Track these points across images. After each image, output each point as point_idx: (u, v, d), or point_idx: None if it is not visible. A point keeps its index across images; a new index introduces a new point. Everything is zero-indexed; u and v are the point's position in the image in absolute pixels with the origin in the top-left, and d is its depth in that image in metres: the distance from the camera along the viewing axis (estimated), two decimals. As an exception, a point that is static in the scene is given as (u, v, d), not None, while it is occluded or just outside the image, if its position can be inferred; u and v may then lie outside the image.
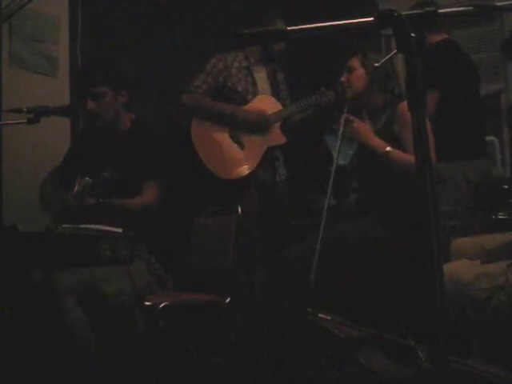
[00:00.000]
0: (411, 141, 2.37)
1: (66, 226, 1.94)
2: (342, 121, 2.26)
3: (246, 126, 3.06)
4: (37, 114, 2.05)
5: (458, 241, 2.19)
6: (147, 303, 2.17)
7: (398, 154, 2.26)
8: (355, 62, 2.48)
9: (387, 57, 2.26)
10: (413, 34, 0.98)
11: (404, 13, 1.00)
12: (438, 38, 3.06)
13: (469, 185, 2.98)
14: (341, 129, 2.24)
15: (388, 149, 2.25)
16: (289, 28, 1.06)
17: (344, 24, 1.05)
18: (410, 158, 2.28)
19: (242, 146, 3.06)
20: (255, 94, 3.15)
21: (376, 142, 2.28)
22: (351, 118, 2.29)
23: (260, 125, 3.07)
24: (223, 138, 3.06)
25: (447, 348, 0.96)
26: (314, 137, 3.65)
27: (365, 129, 2.30)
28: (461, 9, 1.07)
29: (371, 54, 2.48)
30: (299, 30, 1.06)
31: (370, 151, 2.29)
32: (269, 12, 3.17)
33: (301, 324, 2.07)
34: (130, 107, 2.56)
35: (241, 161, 3.04)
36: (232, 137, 3.07)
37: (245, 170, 3.04)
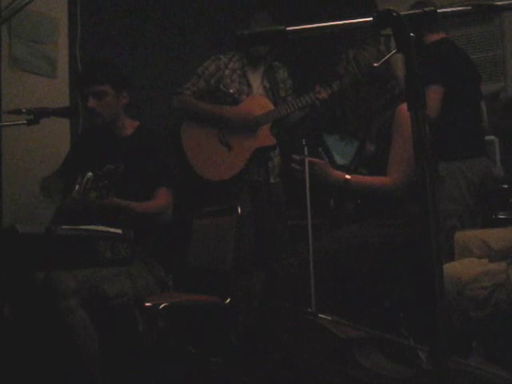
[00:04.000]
0: (396, 152, 2.39)
1: (66, 227, 1.94)
2: (306, 164, 2.24)
3: (232, 127, 3.05)
4: (36, 116, 2.05)
5: (461, 234, 2.18)
6: (147, 304, 2.17)
7: (358, 179, 2.29)
8: (340, 68, 2.43)
9: (386, 57, 2.25)
10: (412, 34, 0.98)
11: (403, 13, 1.00)
12: (436, 37, 3.06)
13: (468, 184, 2.98)
14: (306, 172, 2.23)
15: (347, 176, 2.27)
16: (288, 28, 1.06)
17: (343, 24, 1.05)
18: (371, 181, 2.30)
19: (229, 147, 3.06)
20: (249, 95, 3.15)
21: (334, 175, 2.29)
22: (313, 160, 2.28)
23: (247, 125, 3.06)
24: (211, 139, 3.07)
25: (448, 348, 0.96)
26: (311, 137, 3.66)
27: (325, 167, 2.30)
28: (460, 8, 1.07)
29: (356, 51, 2.40)
30: (298, 31, 1.06)
31: (331, 185, 2.31)
32: (260, 13, 3.18)
33: (301, 324, 2.07)
34: (129, 109, 2.54)
35: (227, 162, 3.05)
36: (220, 139, 3.08)
37: (230, 171, 3.04)
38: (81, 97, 2.51)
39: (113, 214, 2.17)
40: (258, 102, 3.13)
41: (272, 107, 3.12)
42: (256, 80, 3.21)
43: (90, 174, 2.07)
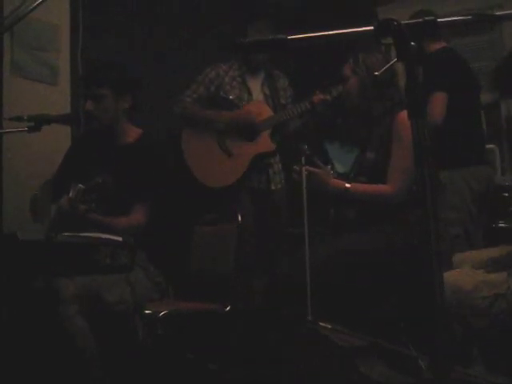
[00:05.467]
0: (396, 160, 2.39)
1: (66, 233, 1.94)
2: (304, 175, 2.25)
3: (232, 131, 3.06)
4: (37, 122, 2.05)
5: (459, 255, 2.18)
6: (147, 311, 2.16)
7: (358, 187, 2.30)
8: (347, 70, 2.43)
9: (387, 65, 2.26)
10: (412, 43, 0.99)
11: (403, 22, 1.01)
12: (436, 46, 3.08)
13: (471, 192, 2.99)
14: (304, 183, 2.24)
15: (347, 185, 2.28)
16: (289, 37, 1.07)
17: (344, 33, 1.06)
18: (371, 189, 2.30)
19: (229, 153, 3.07)
20: (249, 102, 3.16)
21: (334, 184, 2.30)
22: (311, 169, 2.28)
23: (247, 129, 3.06)
24: (211, 146, 3.08)
25: (448, 357, 0.96)
26: (312, 144, 3.66)
27: (324, 176, 2.30)
28: (460, 18, 1.07)
29: (365, 55, 2.42)
30: (299, 39, 1.07)
31: (331, 194, 2.31)
32: (260, 21, 3.19)
33: (301, 332, 2.07)
34: (134, 115, 2.53)
35: (227, 169, 3.05)
36: (220, 145, 3.08)
37: (231, 177, 3.04)
38: (82, 98, 2.51)
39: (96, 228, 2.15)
40: (258, 107, 3.15)
41: (271, 113, 3.14)
42: (256, 87, 3.22)
43: (80, 186, 2.07)
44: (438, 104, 2.89)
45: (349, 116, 2.57)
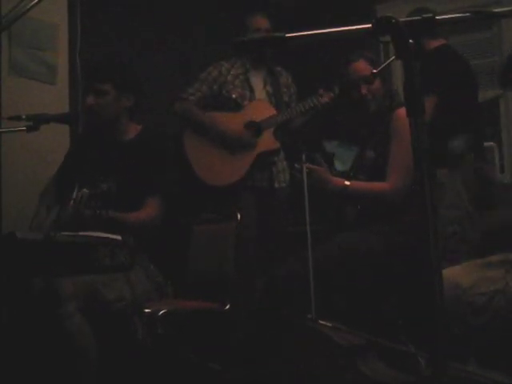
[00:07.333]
0: (395, 157, 2.38)
1: (65, 233, 1.93)
2: (305, 172, 2.25)
3: (230, 143, 3.05)
4: (36, 122, 2.05)
5: (449, 269, 2.16)
6: (147, 310, 2.16)
7: (357, 185, 2.29)
8: (365, 70, 2.33)
9: (386, 63, 2.26)
10: (411, 41, 0.99)
11: (402, 19, 1.01)
12: (435, 43, 3.08)
13: (468, 191, 2.99)
14: (305, 180, 2.24)
15: (346, 183, 2.28)
16: (287, 35, 1.07)
17: (342, 31, 1.06)
18: (370, 187, 2.29)
19: (232, 152, 3.06)
20: (252, 100, 3.16)
21: (333, 181, 2.30)
22: (312, 167, 2.28)
23: (242, 144, 3.05)
24: (213, 144, 3.07)
25: (447, 354, 0.96)
26: (314, 142, 3.65)
27: (324, 173, 2.30)
28: (458, 15, 1.07)
29: (371, 55, 2.40)
30: (298, 37, 1.07)
31: (330, 192, 2.31)
32: (258, 16, 3.18)
33: (301, 331, 2.07)
34: (135, 115, 2.52)
35: (230, 167, 3.04)
36: (222, 143, 3.07)
37: (233, 176, 3.03)
38: (84, 93, 2.50)
39: (105, 225, 2.14)
40: (261, 106, 3.14)
41: (274, 112, 3.13)
42: (259, 85, 3.22)
43: (85, 191, 2.06)
44: (427, 107, 2.89)
45: (349, 114, 2.56)
